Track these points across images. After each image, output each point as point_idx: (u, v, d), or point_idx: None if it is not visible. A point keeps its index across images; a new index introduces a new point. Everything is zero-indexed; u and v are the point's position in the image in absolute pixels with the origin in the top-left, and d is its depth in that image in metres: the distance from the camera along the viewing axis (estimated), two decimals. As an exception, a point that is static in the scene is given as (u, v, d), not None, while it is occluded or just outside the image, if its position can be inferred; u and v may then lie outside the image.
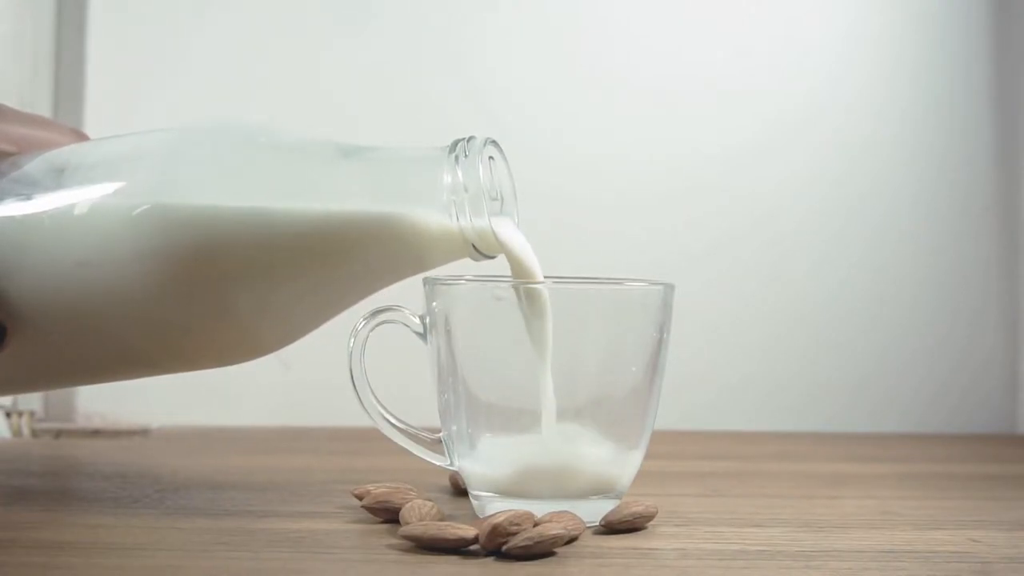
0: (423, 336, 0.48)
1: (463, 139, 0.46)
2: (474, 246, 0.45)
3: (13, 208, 0.46)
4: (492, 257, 0.46)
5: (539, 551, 0.41)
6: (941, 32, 0.87)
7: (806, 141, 0.86)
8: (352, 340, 0.48)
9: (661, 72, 0.85)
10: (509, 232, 0.46)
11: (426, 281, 0.47)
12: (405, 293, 0.49)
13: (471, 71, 0.84)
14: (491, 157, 0.47)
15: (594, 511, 0.46)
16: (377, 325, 0.48)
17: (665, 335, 0.47)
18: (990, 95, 0.87)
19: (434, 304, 0.47)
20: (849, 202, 0.86)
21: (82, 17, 0.82)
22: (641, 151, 0.85)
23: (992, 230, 0.87)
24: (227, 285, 0.45)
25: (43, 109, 0.79)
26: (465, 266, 0.47)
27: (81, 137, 0.52)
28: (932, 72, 0.87)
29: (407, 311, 0.48)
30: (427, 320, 0.47)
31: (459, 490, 0.53)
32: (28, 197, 0.46)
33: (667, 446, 0.63)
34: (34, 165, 0.48)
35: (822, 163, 0.86)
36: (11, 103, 0.52)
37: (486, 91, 0.84)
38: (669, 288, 0.47)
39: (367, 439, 0.57)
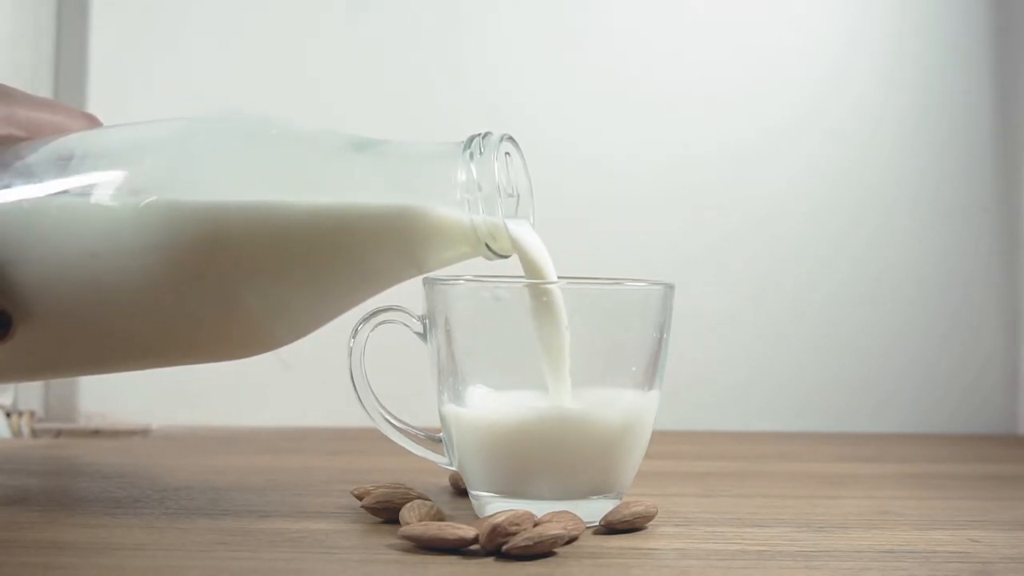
0: (423, 336, 0.48)
1: (478, 135, 0.45)
2: (487, 245, 0.45)
3: (20, 197, 0.46)
4: (506, 257, 0.46)
5: (539, 551, 0.41)
6: (941, 33, 0.87)
7: (807, 142, 0.86)
8: (352, 340, 0.48)
9: (661, 73, 0.85)
10: (524, 233, 0.46)
11: (426, 281, 0.47)
12: (405, 293, 0.49)
13: (470, 73, 0.84)
14: (507, 153, 0.46)
15: (594, 511, 0.46)
16: (377, 325, 0.48)
17: (665, 335, 0.47)
18: (990, 95, 0.87)
19: (434, 304, 0.47)
20: (849, 203, 0.86)
21: (84, 10, 0.82)
22: (641, 151, 0.85)
23: (992, 230, 0.87)
24: (235, 278, 0.44)
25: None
26: (465, 266, 0.47)
27: (92, 121, 0.51)
28: (932, 73, 0.87)
29: (407, 311, 0.48)
30: (427, 320, 0.47)
31: (459, 490, 0.53)
32: (35, 186, 0.46)
33: (667, 446, 0.62)
34: (41, 153, 0.48)
35: (823, 164, 0.86)
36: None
37: (486, 92, 0.84)
38: (669, 288, 0.47)
39: (367, 439, 0.57)
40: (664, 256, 0.84)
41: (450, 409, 0.46)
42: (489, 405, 0.45)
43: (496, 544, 0.41)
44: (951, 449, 0.77)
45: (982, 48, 0.86)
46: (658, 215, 0.84)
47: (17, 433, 0.76)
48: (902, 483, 0.61)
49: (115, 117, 0.52)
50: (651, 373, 0.46)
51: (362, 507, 0.47)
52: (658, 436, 0.49)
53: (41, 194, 0.46)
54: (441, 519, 0.45)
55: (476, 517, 0.47)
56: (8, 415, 0.77)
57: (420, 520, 0.44)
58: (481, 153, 0.45)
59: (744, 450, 0.73)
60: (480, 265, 0.47)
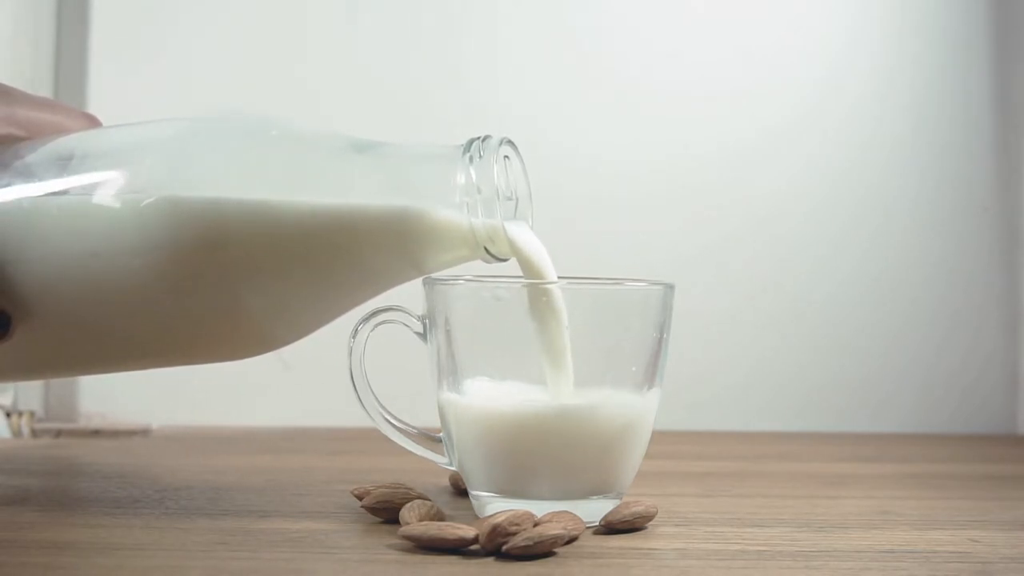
0: (423, 336, 0.48)
1: (478, 138, 0.45)
2: (486, 249, 0.45)
3: (20, 197, 0.46)
4: (504, 260, 0.46)
5: (539, 551, 0.41)
6: (941, 33, 0.87)
7: (807, 142, 0.86)
8: (352, 340, 0.48)
9: (661, 73, 0.85)
10: (522, 235, 0.46)
11: (426, 281, 0.47)
12: (405, 293, 0.49)
13: (470, 73, 0.84)
14: (506, 156, 0.46)
15: (594, 511, 0.46)
16: (377, 325, 0.48)
17: (665, 335, 0.47)
18: (990, 95, 0.87)
19: (434, 304, 0.47)
20: (850, 203, 0.86)
21: (84, 10, 0.82)
22: (642, 151, 0.85)
23: (992, 230, 0.87)
24: (235, 278, 0.44)
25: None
26: (465, 266, 0.47)
27: (92, 121, 0.51)
28: (932, 72, 0.87)
29: (407, 311, 0.48)
30: (427, 320, 0.47)
31: (459, 490, 0.53)
32: (35, 186, 0.46)
33: (667, 446, 0.62)
34: (41, 153, 0.48)
35: (823, 164, 0.86)
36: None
37: (485, 92, 0.84)
38: (669, 288, 0.47)
39: (367, 439, 0.57)
40: (664, 256, 0.84)
41: (450, 408, 0.46)
42: (489, 403, 0.45)
43: (496, 544, 0.41)
44: (951, 449, 0.77)
45: (982, 48, 0.86)
46: (658, 215, 0.84)
47: (17, 433, 0.76)
48: (902, 483, 0.61)
49: (115, 117, 0.52)
50: (651, 373, 0.46)
51: (362, 507, 0.47)
52: (658, 436, 0.49)
53: (41, 194, 0.46)
54: (441, 519, 0.45)
55: (476, 517, 0.47)
56: (8, 415, 0.77)
57: (420, 520, 0.44)
58: (480, 156, 0.45)
59: (744, 450, 0.73)
60: (480, 266, 0.47)
